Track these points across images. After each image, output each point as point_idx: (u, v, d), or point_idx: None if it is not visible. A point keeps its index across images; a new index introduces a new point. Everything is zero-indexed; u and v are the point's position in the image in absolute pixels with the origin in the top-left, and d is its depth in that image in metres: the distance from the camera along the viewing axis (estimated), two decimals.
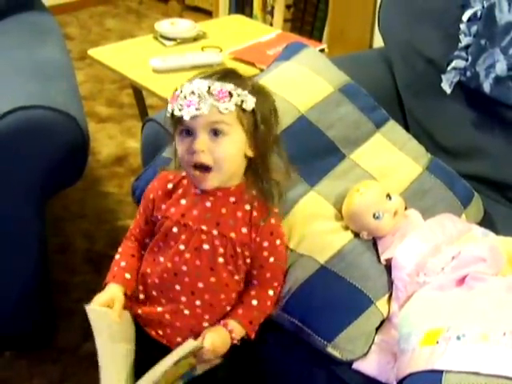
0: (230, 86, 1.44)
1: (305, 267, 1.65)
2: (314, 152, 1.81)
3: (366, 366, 1.58)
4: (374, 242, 1.74)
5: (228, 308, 1.58)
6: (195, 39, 2.58)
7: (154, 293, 1.59)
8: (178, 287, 1.55)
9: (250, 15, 4.15)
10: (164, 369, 1.45)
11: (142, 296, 1.61)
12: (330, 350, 1.58)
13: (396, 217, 1.71)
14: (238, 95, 1.45)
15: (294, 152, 1.67)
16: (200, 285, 1.53)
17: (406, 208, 1.77)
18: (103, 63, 2.43)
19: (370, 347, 1.60)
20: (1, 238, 1.94)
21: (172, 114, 1.46)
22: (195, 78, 1.49)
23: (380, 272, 1.68)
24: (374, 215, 1.69)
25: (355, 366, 1.58)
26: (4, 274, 2.00)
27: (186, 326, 1.58)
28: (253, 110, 1.47)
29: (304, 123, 1.82)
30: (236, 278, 1.56)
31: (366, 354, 1.59)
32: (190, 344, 1.49)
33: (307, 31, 3.97)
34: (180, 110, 1.43)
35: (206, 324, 1.58)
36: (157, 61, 2.33)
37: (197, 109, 1.42)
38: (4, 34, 2.32)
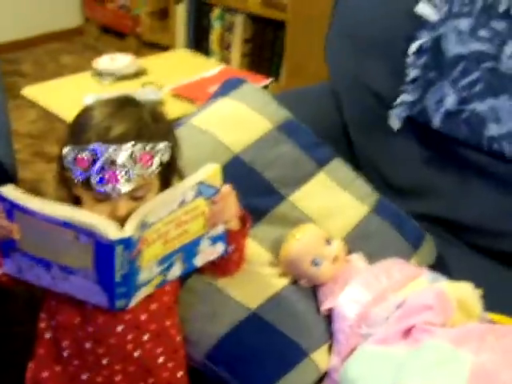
0: (149, 146, 1.32)
1: (233, 312, 1.53)
2: (250, 194, 1.68)
3: None
4: (315, 290, 1.61)
5: (178, 338, 1.49)
6: (136, 75, 2.47)
7: (88, 345, 1.43)
8: (119, 328, 1.42)
9: (207, 50, 4.05)
10: (172, 198, 1.32)
11: (66, 353, 1.46)
12: None
13: (336, 263, 1.59)
14: (158, 152, 1.33)
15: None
16: (142, 317, 1.42)
17: (349, 252, 1.65)
18: (36, 102, 2.31)
19: None
20: None
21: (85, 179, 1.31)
22: (103, 130, 1.31)
23: (317, 321, 1.57)
24: (312, 262, 1.57)
25: None
26: None
27: (141, 370, 1.46)
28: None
29: (238, 164, 1.71)
30: (174, 298, 1.48)
31: None
32: (207, 168, 1.37)
33: (265, 66, 3.88)
34: (101, 184, 1.29)
35: (161, 360, 1.46)
36: (91, 99, 2.20)
37: (123, 185, 1.29)
38: None
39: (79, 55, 4.55)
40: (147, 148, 1.31)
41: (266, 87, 2.43)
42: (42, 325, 1.48)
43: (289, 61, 3.69)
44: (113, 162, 1.28)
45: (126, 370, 1.45)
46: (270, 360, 1.49)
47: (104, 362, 1.44)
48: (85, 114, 1.36)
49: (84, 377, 1.46)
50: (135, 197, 1.33)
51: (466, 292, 1.54)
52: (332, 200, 1.77)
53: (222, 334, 1.51)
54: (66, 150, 1.32)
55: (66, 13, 4.77)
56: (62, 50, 4.68)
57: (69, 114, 2.12)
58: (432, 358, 1.36)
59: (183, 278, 1.54)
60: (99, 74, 2.43)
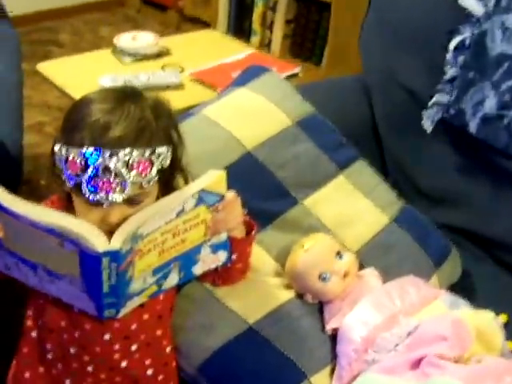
0: (148, 152, 1.19)
1: (230, 325, 1.41)
2: (260, 195, 1.56)
3: None
4: (321, 307, 1.47)
5: (168, 348, 1.39)
6: (158, 55, 2.33)
7: (73, 350, 1.33)
8: (107, 336, 1.31)
9: (249, 29, 3.91)
10: (172, 206, 1.20)
11: (50, 356, 1.36)
12: None
13: (346, 279, 1.44)
14: (157, 157, 1.21)
15: (238, 192, 1.40)
16: (133, 326, 1.32)
17: (363, 266, 1.51)
18: (49, 79, 2.19)
19: None
20: None
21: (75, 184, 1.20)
22: (99, 130, 1.19)
23: (321, 341, 1.43)
24: (319, 276, 1.43)
25: None
26: None
27: (128, 381, 1.36)
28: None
29: (250, 161, 1.58)
30: (168, 306, 1.38)
31: None
32: (211, 174, 1.26)
33: (307, 49, 3.73)
34: (93, 192, 1.17)
35: (150, 372, 1.36)
36: (107, 80, 2.08)
37: (118, 193, 1.18)
38: None
39: (118, 27, 4.44)
40: (146, 154, 1.19)
41: (295, 75, 2.27)
42: (29, 322, 1.38)
43: (331, 45, 3.53)
44: (106, 169, 1.17)
45: (112, 379, 1.35)
46: (264, 380, 1.37)
47: (89, 369, 1.34)
48: (81, 108, 1.23)
49: (67, 382, 1.37)
50: (130, 203, 1.21)
51: (487, 322, 1.39)
52: (350, 207, 1.62)
53: (215, 348, 1.39)
54: (57, 148, 1.21)
55: None
56: (101, 20, 4.58)
57: (82, 94, 2.02)
58: None
59: (180, 285, 1.42)
60: (120, 52, 2.30)
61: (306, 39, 3.76)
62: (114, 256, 1.13)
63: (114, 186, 1.17)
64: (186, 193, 1.23)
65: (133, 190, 1.19)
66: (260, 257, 1.50)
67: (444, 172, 1.84)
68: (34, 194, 1.33)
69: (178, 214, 1.21)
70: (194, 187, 1.24)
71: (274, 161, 1.60)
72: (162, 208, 1.20)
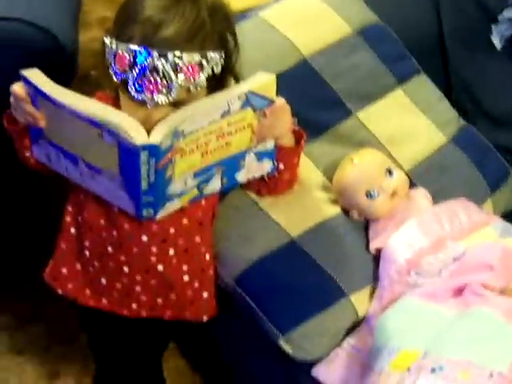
0: (198, 56, 1.15)
1: (271, 236, 1.39)
2: (313, 105, 1.50)
3: (327, 374, 1.30)
4: (368, 225, 1.43)
5: (207, 256, 1.37)
6: None
7: (110, 249, 1.33)
8: (144, 238, 1.30)
9: None
10: (219, 103, 1.16)
11: (88, 253, 1.36)
12: (281, 342, 1.33)
13: (395, 198, 1.39)
14: (208, 62, 1.16)
15: (289, 101, 1.35)
16: (171, 230, 1.30)
17: (413, 186, 1.45)
18: None
19: (335, 351, 1.31)
20: None
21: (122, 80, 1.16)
22: (150, 27, 1.14)
23: (363, 261, 1.40)
24: (367, 193, 1.38)
25: (314, 372, 1.31)
26: None
27: (163, 285, 1.35)
28: None
29: (305, 69, 1.51)
30: (210, 214, 1.36)
31: (328, 359, 1.31)
32: (260, 76, 1.22)
33: None
34: (138, 91, 1.14)
35: (186, 278, 1.35)
36: None
37: (162, 94, 1.14)
38: None
39: None
40: (196, 58, 1.14)
41: None
42: (68, 218, 1.37)
43: None
44: (154, 69, 1.13)
45: (147, 282, 1.34)
46: (302, 295, 1.35)
47: (125, 269, 1.34)
48: (135, 2, 1.18)
49: (103, 281, 1.37)
50: (176, 106, 1.17)
51: None
52: (406, 123, 1.55)
53: (254, 259, 1.37)
54: (107, 40, 1.17)
55: None
56: None
57: None
58: (480, 329, 1.18)
59: (224, 192, 1.39)
60: None
61: None
62: (153, 151, 1.10)
63: (160, 87, 1.14)
64: (232, 93, 1.18)
65: (179, 93, 1.15)
66: (308, 169, 1.45)
67: (511, 92, 1.74)
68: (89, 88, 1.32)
69: (223, 115, 1.17)
70: (242, 88, 1.19)
71: (331, 70, 1.52)
72: (206, 106, 1.16)
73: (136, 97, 1.15)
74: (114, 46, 1.16)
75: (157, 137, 1.10)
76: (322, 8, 1.58)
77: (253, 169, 1.30)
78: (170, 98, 1.15)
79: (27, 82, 1.17)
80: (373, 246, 1.39)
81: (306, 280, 1.35)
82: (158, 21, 1.14)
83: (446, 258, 1.32)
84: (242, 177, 1.30)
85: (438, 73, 1.78)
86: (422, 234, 1.35)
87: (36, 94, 1.17)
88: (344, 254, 1.38)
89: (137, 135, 1.09)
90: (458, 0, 1.79)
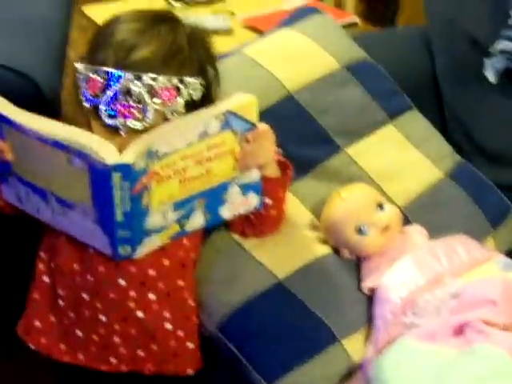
0: (176, 80, 1.11)
1: (256, 279, 1.30)
2: (300, 141, 1.43)
3: None
4: (359, 264, 1.34)
5: (190, 302, 1.27)
6: (210, 1, 2.22)
7: (86, 296, 1.24)
8: (121, 281, 1.21)
9: None
10: (192, 124, 1.11)
11: (62, 303, 1.26)
12: None
13: (387, 233, 1.31)
14: (186, 86, 1.12)
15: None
16: (151, 272, 1.21)
17: (408, 223, 1.37)
18: (95, 22, 2.11)
19: None
20: None
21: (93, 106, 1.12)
22: (124, 52, 1.11)
23: (356, 302, 1.31)
24: (357, 228, 1.29)
25: None
26: None
27: (143, 334, 1.25)
28: None
29: (290, 104, 1.45)
30: (193, 255, 1.27)
31: None
32: (239, 96, 1.16)
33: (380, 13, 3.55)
34: (111, 116, 1.10)
35: (168, 326, 1.25)
36: None
37: (136, 119, 1.10)
38: None
39: None
40: (173, 81, 1.10)
41: (354, 25, 2.12)
42: (40, 266, 1.29)
43: (405, 12, 3.34)
44: (128, 92, 1.09)
45: (127, 331, 1.25)
46: (290, 341, 1.25)
47: (102, 318, 1.24)
48: (110, 26, 1.16)
49: (79, 333, 1.27)
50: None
51: None
52: (399, 158, 1.48)
53: (238, 304, 1.28)
54: (79, 66, 1.13)
55: None
56: None
57: None
58: (484, 367, 1.08)
59: (207, 233, 1.31)
60: None
61: (379, 3, 3.58)
62: (126, 172, 1.03)
63: (133, 111, 1.09)
64: (209, 112, 1.12)
65: (155, 118, 1.10)
66: (294, 208, 1.37)
67: (507, 127, 1.67)
68: None
69: (201, 136, 1.11)
70: (220, 107, 1.13)
71: (318, 105, 1.47)
72: (181, 125, 1.10)
73: (108, 123, 1.10)
74: (85, 71, 1.12)
75: (129, 156, 1.04)
76: (307, 44, 1.53)
77: (238, 204, 1.22)
78: (145, 124, 1.10)
79: None
80: (365, 285, 1.30)
81: (293, 324, 1.26)
82: (133, 43, 1.11)
83: (444, 295, 1.23)
84: (226, 212, 1.22)
85: (433, 110, 1.72)
86: (418, 270, 1.26)
87: (1, 124, 1.12)
88: (335, 296, 1.29)
89: (107, 155, 1.03)
90: (450, 35, 1.74)
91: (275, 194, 1.26)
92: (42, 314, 1.29)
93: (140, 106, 1.08)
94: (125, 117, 1.09)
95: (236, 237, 1.33)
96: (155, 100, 1.09)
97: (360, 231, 1.30)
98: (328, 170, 1.43)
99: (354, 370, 1.27)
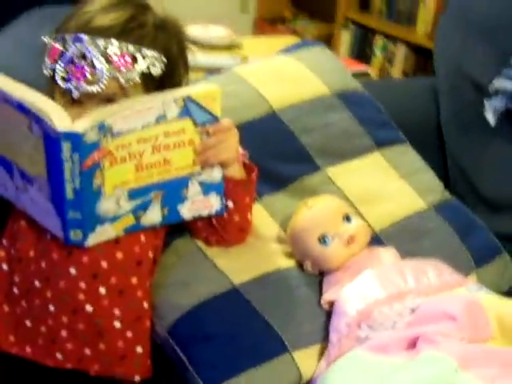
0: (132, 48, 1.11)
1: (211, 283, 1.25)
2: (279, 157, 1.40)
3: None
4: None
5: (144, 303, 1.22)
6: (227, 48, 2.24)
7: (38, 284, 1.21)
8: (73, 270, 1.18)
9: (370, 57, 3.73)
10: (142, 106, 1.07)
11: (16, 290, 1.23)
12: None
13: (351, 246, 1.24)
14: (144, 58, 1.12)
15: (252, 151, 1.28)
16: (103, 264, 1.17)
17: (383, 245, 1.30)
18: None
19: None
20: None
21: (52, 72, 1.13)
22: (86, 19, 1.13)
23: (314, 317, 1.24)
24: (320, 238, 1.23)
25: None
26: None
27: (91, 331, 1.20)
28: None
29: (273, 120, 1.43)
30: (150, 255, 1.22)
31: None
32: (202, 85, 1.16)
33: None
34: (65, 79, 1.10)
35: (118, 324, 1.20)
36: None
37: (89, 83, 1.09)
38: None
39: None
40: (129, 48, 1.10)
41: (365, 75, 2.11)
42: (1, 253, 1.26)
43: None
44: (83, 57, 1.09)
45: (74, 326, 1.21)
46: (236, 347, 1.18)
47: (51, 308, 1.21)
48: (84, 4, 1.17)
49: (28, 323, 1.24)
50: (106, 103, 1.11)
51: None
52: (381, 184, 1.43)
53: (189, 307, 1.22)
54: (44, 38, 1.15)
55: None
56: None
57: None
58: (426, 372, 0.98)
59: (170, 238, 1.27)
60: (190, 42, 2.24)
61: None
62: (76, 142, 1.01)
63: (87, 74, 1.09)
64: (168, 94, 1.10)
65: (110, 85, 1.10)
66: (263, 220, 1.33)
67: (509, 176, 1.60)
68: None
69: (158, 120, 1.08)
70: (180, 91, 1.11)
71: (301, 124, 1.44)
72: (139, 104, 1.07)
73: (62, 86, 1.10)
74: (48, 42, 1.13)
75: (80, 125, 1.02)
76: (300, 69, 1.52)
77: (198, 203, 1.18)
78: (98, 88, 1.09)
79: None
80: (324, 298, 1.23)
81: (242, 330, 1.20)
82: (94, 14, 1.12)
83: (403, 310, 1.15)
84: (185, 211, 1.18)
85: (436, 161, 1.67)
86: (379, 285, 1.19)
87: None
88: (291, 307, 1.22)
89: (59, 122, 1.02)
90: (455, 80, 1.72)
91: (239, 198, 1.22)
92: None
93: (94, 69, 1.08)
94: (78, 79, 1.09)
95: (200, 244, 1.29)
96: (109, 64, 1.08)
97: (323, 241, 1.24)
98: (303, 186, 1.39)
99: None
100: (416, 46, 3.50)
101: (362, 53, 3.83)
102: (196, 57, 1.90)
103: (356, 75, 1.85)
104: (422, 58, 3.57)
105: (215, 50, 2.20)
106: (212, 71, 1.80)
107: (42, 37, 1.14)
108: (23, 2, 1.98)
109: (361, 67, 2.17)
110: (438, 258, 1.32)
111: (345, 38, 3.93)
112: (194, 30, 2.20)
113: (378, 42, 3.75)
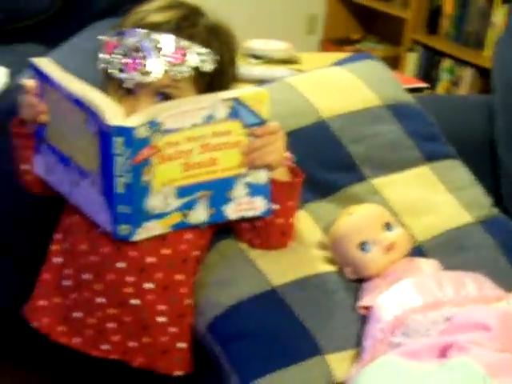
0: (185, 43, 1.15)
1: (251, 284, 1.26)
2: (326, 165, 1.42)
3: None
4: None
5: (187, 300, 1.26)
6: (286, 62, 2.27)
7: (87, 277, 1.25)
8: (121, 264, 1.22)
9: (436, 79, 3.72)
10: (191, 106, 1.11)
11: (68, 283, 1.28)
12: None
13: (391, 254, 1.25)
14: (195, 54, 1.16)
15: (299, 158, 1.30)
16: (150, 259, 1.21)
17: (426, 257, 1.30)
18: None
19: None
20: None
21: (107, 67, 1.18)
22: (141, 16, 1.19)
23: (349, 321, 1.24)
24: (360, 245, 1.24)
25: None
26: None
27: (137, 324, 1.25)
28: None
29: (321, 129, 1.45)
30: (196, 253, 1.26)
31: None
32: (251, 88, 1.18)
33: None
34: (120, 70, 1.15)
35: (162, 319, 1.24)
36: None
37: (143, 73, 1.14)
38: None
39: None
40: (181, 43, 1.14)
41: (421, 90, 2.10)
42: (54, 247, 1.32)
43: None
44: (137, 49, 1.14)
45: (121, 318, 1.25)
46: (271, 346, 1.20)
47: (98, 300, 1.25)
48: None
49: (77, 315, 1.29)
50: (160, 97, 1.16)
51: None
52: (427, 197, 1.43)
53: (228, 305, 1.24)
54: (101, 37, 1.20)
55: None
56: None
57: None
58: (453, 381, 0.98)
59: (215, 238, 1.30)
60: (247, 53, 2.28)
61: None
62: (128, 136, 1.05)
63: (140, 66, 1.13)
64: (217, 95, 1.13)
65: (162, 77, 1.14)
66: (307, 226, 1.35)
67: None
68: None
69: (207, 120, 1.11)
70: (229, 93, 1.14)
71: (350, 134, 1.45)
72: (188, 103, 1.11)
73: (117, 76, 1.15)
74: (104, 38, 1.18)
75: (132, 121, 1.06)
76: (351, 79, 1.54)
77: (244, 204, 1.20)
78: (152, 79, 1.13)
79: (34, 68, 1.17)
80: (360, 303, 1.23)
81: (278, 330, 1.21)
82: (149, 12, 1.18)
83: (437, 318, 1.15)
84: (231, 212, 1.20)
85: (489, 177, 1.65)
86: (416, 293, 1.19)
87: (42, 84, 1.16)
88: (328, 311, 1.23)
89: (113, 117, 1.06)
90: (509, 98, 1.69)
91: (282, 199, 1.23)
92: (49, 294, 1.31)
93: (148, 61, 1.12)
94: (133, 70, 1.13)
95: (243, 246, 1.31)
96: (162, 57, 1.13)
97: (363, 248, 1.25)
98: (348, 195, 1.40)
99: None
100: (483, 69, 3.47)
101: (428, 75, 3.81)
102: (252, 68, 1.97)
103: (412, 90, 1.87)
104: (488, 82, 3.53)
105: (273, 63, 2.23)
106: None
107: (99, 36, 1.19)
108: (89, 17, 2.08)
109: (417, 83, 2.16)
110: (481, 272, 1.31)
111: (411, 60, 3.93)
112: (254, 44, 2.25)
113: (445, 64, 3.74)
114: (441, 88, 3.77)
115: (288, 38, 2.46)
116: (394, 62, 4.08)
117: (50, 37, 2.00)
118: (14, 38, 2.10)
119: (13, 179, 1.32)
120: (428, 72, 3.84)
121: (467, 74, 3.62)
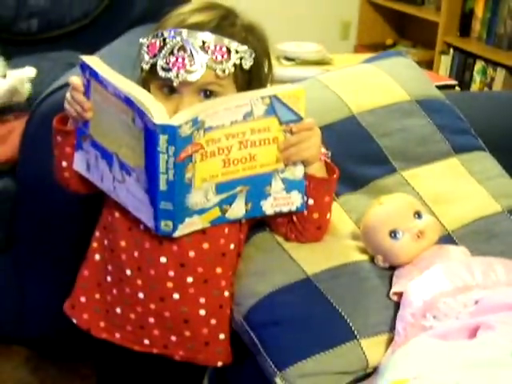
0: (227, 41, 1.19)
1: (287, 273, 1.30)
2: (357, 159, 1.46)
3: None
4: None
5: (226, 292, 1.30)
6: (318, 63, 2.31)
7: (129, 272, 1.29)
8: (163, 259, 1.26)
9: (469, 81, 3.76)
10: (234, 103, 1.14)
11: (109, 279, 1.33)
12: (277, 381, 1.20)
13: (421, 241, 1.28)
14: (237, 52, 1.20)
15: (332, 152, 1.37)
16: (191, 253, 1.25)
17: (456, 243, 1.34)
18: None
19: None
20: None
21: (151, 66, 1.21)
22: (182, 18, 1.24)
23: (382, 307, 1.28)
24: (391, 233, 1.28)
25: None
26: None
27: (177, 318, 1.29)
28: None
29: (352, 124, 1.49)
30: (234, 247, 1.29)
31: None
32: (287, 86, 1.20)
33: None
34: (166, 69, 1.19)
35: (203, 312, 1.28)
36: None
37: (188, 72, 1.18)
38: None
39: None
40: (224, 42, 1.19)
41: (451, 87, 2.13)
42: (95, 244, 1.36)
43: None
44: (182, 48, 1.18)
45: (162, 313, 1.29)
46: (306, 332, 1.24)
47: (140, 295, 1.29)
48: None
49: (118, 310, 1.33)
50: (203, 94, 1.20)
51: None
52: (456, 187, 1.46)
53: (264, 294, 1.28)
54: (141, 40, 1.24)
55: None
56: None
57: None
58: (481, 356, 1.02)
59: (251, 232, 1.34)
60: (280, 55, 2.33)
61: None
62: (172, 134, 1.09)
63: (186, 63, 1.17)
64: (256, 93, 1.17)
65: (206, 75, 1.17)
66: (339, 217, 1.39)
67: None
68: None
69: (246, 117, 1.14)
70: (267, 90, 1.18)
71: (379, 128, 1.49)
72: (228, 101, 1.15)
73: (163, 75, 1.18)
74: (146, 41, 1.22)
75: (177, 119, 1.10)
76: (380, 76, 1.58)
77: (280, 199, 1.24)
78: (197, 77, 1.17)
79: (84, 66, 1.20)
80: (393, 290, 1.27)
81: (313, 317, 1.25)
82: (189, 14, 1.22)
83: (467, 301, 1.18)
84: (268, 207, 1.23)
85: None
86: (446, 277, 1.22)
87: (89, 81, 1.20)
88: (361, 297, 1.27)
89: (158, 115, 1.10)
90: None
91: (318, 194, 1.26)
92: (89, 290, 1.36)
93: (193, 59, 1.16)
94: (178, 69, 1.17)
95: (278, 238, 1.35)
96: (207, 55, 1.17)
97: (393, 236, 1.28)
98: (379, 187, 1.43)
99: (370, 374, 1.22)
100: None
101: (461, 77, 3.83)
102: (285, 70, 2.02)
103: (441, 88, 1.90)
104: None
105: (305, 64, 2.28)
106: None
107: (140, 39, 1.24)
108: (127, 23, 2.14)
109: (447, 80, 2.19)
110: (510, 258, 1.34)
111: (445, 63, 3.95)
112: (286, 46, 2.30)
113: (478, 66, 3.76)
114: (475, 89, 3.79)
115: (322, 44, 2.50)
116: (428, 66, 4.11)
117: (83, 44, 2.05)
118: (45, 45, 2.17)
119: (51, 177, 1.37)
120: (461, 74, 3.86)
121: (500, 75, 3.64)
